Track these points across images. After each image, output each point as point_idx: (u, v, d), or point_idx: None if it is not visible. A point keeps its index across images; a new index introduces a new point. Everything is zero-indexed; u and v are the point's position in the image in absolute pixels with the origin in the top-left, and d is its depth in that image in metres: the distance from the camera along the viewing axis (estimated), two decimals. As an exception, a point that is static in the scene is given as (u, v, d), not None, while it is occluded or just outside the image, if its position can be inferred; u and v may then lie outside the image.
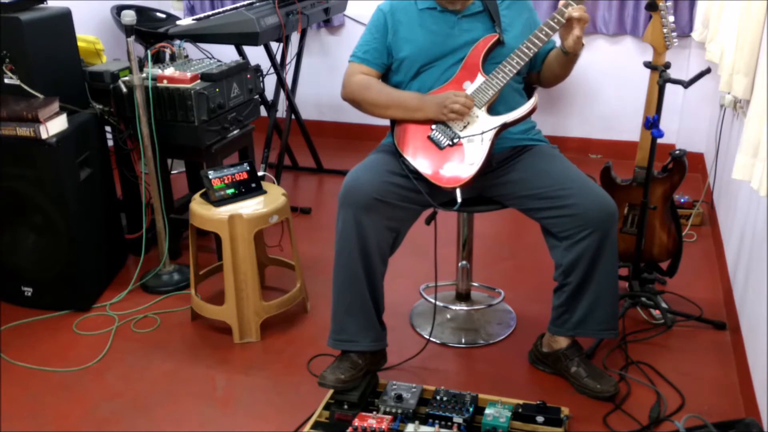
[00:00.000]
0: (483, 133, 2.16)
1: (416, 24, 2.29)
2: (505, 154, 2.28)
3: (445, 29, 2.28)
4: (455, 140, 2.19)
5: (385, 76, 2.38)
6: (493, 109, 2.21)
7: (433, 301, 2.70)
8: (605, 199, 2.15)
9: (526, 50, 2.15)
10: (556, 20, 2.11)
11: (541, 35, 2.14)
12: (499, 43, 2.24)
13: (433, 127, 2.22)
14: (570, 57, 2.20)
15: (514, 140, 2.29)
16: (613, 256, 2.18)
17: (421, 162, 2.21)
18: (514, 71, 2.16)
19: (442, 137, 2.21)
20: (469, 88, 2.21)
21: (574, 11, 2.08)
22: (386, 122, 2.37)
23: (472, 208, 2.38)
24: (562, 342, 2.31)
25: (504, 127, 2.18)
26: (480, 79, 2.20)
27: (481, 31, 2.25)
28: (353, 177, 2.18)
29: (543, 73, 2.35)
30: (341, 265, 2.18)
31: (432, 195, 2.21)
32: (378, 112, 2.30)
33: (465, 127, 2.19)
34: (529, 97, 2.37)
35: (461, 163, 2.17)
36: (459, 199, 2.20)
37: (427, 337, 2.58)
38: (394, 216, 2.18)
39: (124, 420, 2.21)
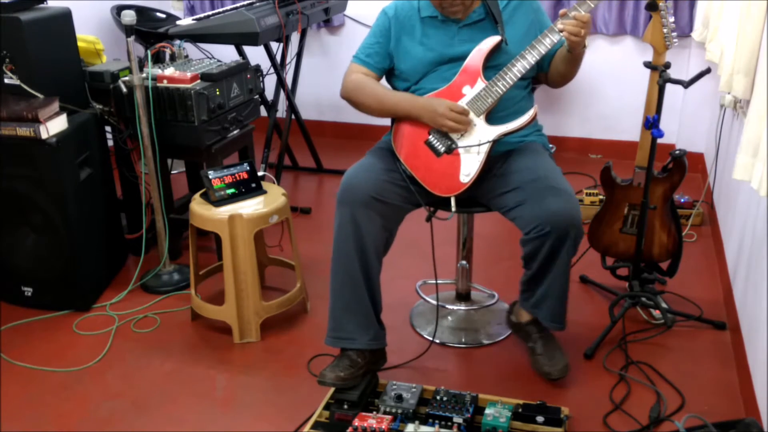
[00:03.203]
0: (480, 144, 2.15)
1: (418, 34, 2.27)
2: (499, 156, 2.26)
3: (445, 40, 2.25)
4: (452, 148, 2.18)
5: (390, 82, 2.38)
6: (493, 114, 2.18)
7: (429, 300, 2.70)
8: (572, 207, 2.09)
9: (529, 57, 2.10)
10: (559, 28, 2.05)
11: (545, 42, 2.09)
12: (502, 46, 2.19)
13: (431, 132, 2.21)
14: (573, 55, 2.16)
15: (510, 144, 2.27)
16: (565, 262, 2.15)
17: (418, 168, 2.22)
18: (515, 79, 2.12)
19: (439, 145, 2.20)
20: (469, 93, 2.17)
21: (568, 25, 2.02)
22: (386, 122, 2.38)
23: (467, 209, 2.36)
24: (525, 316, 2.39)
25: (501, 136, 2.17)
26: (480, 84, 2.16)
27: (482, 39, 2.20)
28: (351, 175, 2.18)
29: (550, 73, 2.32)
30: (339, 263, 2.18)
31: (426, 196, 2.22)
32: (370, 113, 2.32)
33: (462, 135, 2.18)
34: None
35: (457, 173, 2.18)
36: (453, 208, 2.20)
37: (429, 337, 2.58)
38: (390, 215, 2.19)
39: (124, 420, 2.21)
